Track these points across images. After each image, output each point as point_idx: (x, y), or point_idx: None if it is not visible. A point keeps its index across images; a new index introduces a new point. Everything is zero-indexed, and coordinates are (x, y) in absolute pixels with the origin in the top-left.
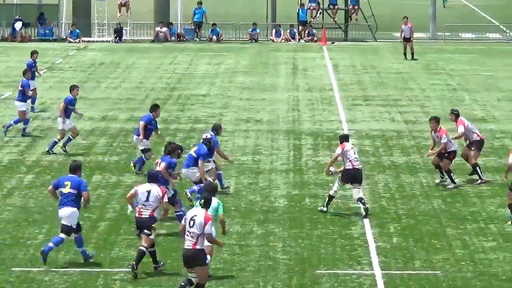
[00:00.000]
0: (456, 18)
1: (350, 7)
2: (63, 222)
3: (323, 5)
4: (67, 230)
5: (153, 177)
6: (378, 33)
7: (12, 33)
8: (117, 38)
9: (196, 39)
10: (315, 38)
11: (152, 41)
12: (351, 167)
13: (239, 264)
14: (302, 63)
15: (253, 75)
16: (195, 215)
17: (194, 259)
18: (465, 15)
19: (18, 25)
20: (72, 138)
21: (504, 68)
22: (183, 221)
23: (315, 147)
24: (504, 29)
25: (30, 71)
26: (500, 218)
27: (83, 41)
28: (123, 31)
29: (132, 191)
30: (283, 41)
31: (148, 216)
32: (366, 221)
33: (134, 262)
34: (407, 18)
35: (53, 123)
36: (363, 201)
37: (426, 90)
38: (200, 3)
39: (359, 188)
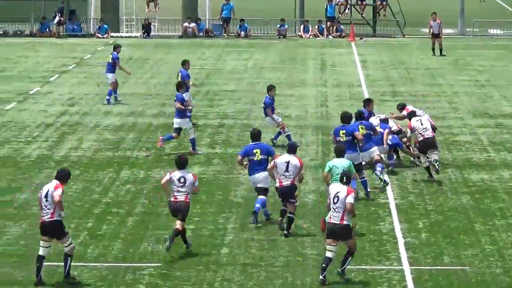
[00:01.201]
0: (485, 14)
1: (378, 3)
2: (259, 185)
3: (351, 0)
4: (264, 192)
5: (293, 148)
6: (406, 29)
7: (41, 28)
8: (145, 33)
9: (224, 34)
10: (343, 34)
11: (180, 37)
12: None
13: (268, 259)
14: (330, 59)
15: (281, 70)
16: (339, 192)
17: (342, 233)
18: (494, 10)
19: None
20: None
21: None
22: (327, 199)
23: None
24: None
25: (116, 63)
26: None
27: (112, 36)
28: (151, 26)
29: (272, 163)
30: (311, 37)
31: (289, 185)
32: (394, 216)
33: (285, 226)
34: (435, 14)
35: (81, 119)
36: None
37: (454, 86)
38: None
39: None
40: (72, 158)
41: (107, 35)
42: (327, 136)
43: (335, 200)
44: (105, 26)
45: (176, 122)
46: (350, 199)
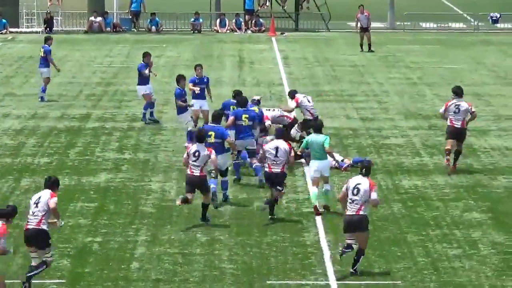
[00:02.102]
0: (417, 6)
1: None
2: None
3: None
4: (221, 172)
5: (280, 133)
6: (332, 22)
7: None
8: (48, 28)
9: (134, 29)
10: (263, 28)
11: (86, 32)
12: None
13: (182, 275)
14: (249, 56)
15: None
16: (359, 183)
17: (357, 225)
18: (426, 3)
19: None
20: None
21: (468, 60)
22: (344, 189)
23: None
24: (468, 18)
25: (47, 57)
26: (466, 223)
27: (10, 32)
28: (54, 21)
29: (261, 151)
30: (228, 31)
31: (279, 171)
32: (320, 227)
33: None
34: (363, 6)
35: None
36: None
37: (384, 85)
38: None
39: None
40: None
41: (5, 30)
42: None
43: (355, 192)
44: (3, 20)
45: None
46: (374, 195)
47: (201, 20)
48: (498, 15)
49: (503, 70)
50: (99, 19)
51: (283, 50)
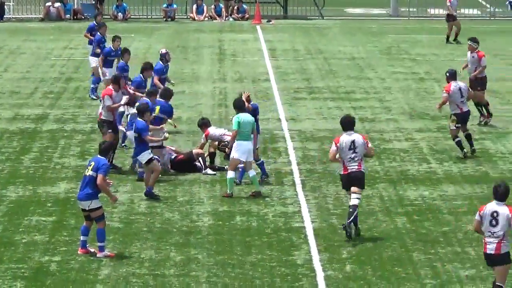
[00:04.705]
0: None
1: None
2: None
3: None
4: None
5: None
6: (326, 8)
7: None
8: None
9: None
10: (247, 16)
11: (42, 20)
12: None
13: None
14: (231, 47)
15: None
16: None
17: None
18: None
19: None
20: None
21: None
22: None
23: None
24: (484, 3)
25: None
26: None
27: None
28: (5, 7)
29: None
30: (206, 19)
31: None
32: (312, 244)
33: None
34: None
35: None
36: None
37: (386, 80)
38: None
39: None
40: None
41: None
42: None
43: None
44: None
45: None
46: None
47: (175, 6)
48: None
49: None
50: (57, 4)
51: (269, 41)
